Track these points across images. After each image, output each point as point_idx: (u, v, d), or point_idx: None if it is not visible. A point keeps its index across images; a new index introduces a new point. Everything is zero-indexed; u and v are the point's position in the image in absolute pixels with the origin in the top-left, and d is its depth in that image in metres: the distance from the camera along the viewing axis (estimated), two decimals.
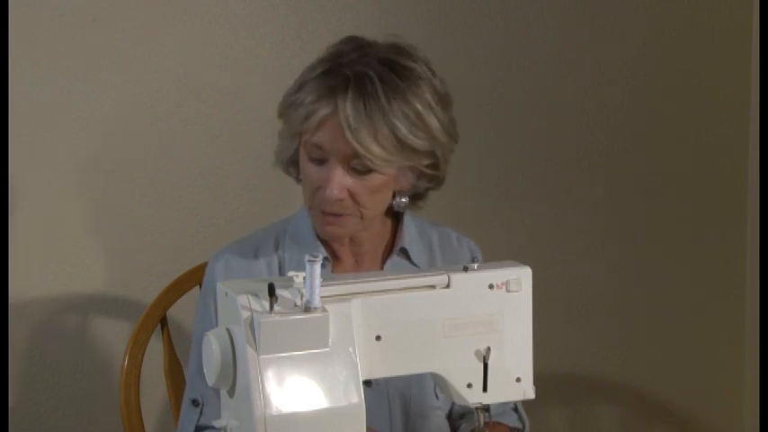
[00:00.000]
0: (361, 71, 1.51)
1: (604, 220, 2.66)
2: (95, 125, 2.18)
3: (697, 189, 2.74)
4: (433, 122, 1.54)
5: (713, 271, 2.79)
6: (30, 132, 2.13)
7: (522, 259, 1.44)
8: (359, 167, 1.53)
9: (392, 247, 1.69)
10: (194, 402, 1.64)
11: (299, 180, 1.65)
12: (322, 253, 1.64)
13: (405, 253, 1.69)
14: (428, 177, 1.62)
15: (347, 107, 1.49)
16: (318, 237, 1.66)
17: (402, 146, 1.51)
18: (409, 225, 1.70)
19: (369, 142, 1.49)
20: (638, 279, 2.71)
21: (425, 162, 1.57)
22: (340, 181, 1.53)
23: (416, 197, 1.67)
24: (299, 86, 1.56)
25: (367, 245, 1.67)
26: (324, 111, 1.51)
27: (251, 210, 2.28)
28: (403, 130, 1.50)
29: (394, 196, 1.63)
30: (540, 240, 2.59)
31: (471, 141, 2.49)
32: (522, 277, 1.40)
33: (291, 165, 1.64)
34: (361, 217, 1.58)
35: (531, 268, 1.41)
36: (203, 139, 2.26)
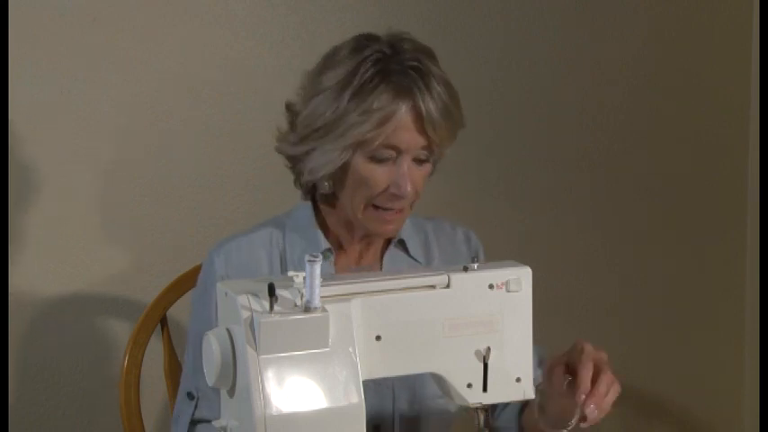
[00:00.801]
0: (414, 66, 1.56)
1: (604, 220, 2.66)
2: (95, 125, 2.18)
3: (697, 189, 2.75)
4: (456, 99, 1.61)
5: (713, 271, 2.79)
6: (30, 132, 2.13)
7: (522, 259, 1.44)
8: (422, 157, 1.58)
9: (389, 240, 1.71)
10: (189, 395, 1.64)
11: (306, 186, 1.66)
12: (324, 244, 1.65)
13: (402, 245, 1.71)
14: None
15: (427, 102, 1.53)
16: (320, 227, 1.67)
17: (455, 126, 1.59)
18: (406, 221, 1.71)
19: (444, 130, 1.55)
20: (638, 279, 2.71)
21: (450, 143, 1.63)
22: (412, 175, 1.57)
23: None
24: (351, 96, 1.54)
25: (375, 237, 1.68)
26: (402, 110, 1.53)
27: (251, 210, 2.28)
28: (453, 111, 1.58)
29: None
30: (540, 240, 2.59)
31: (471, 141, 2.48)
32: (522, 277, 1.40)
33: (329, 177, 1.62)
34: (410, 210, 1.63)
35: (531, 268, 1.41)
36: (203, 139, 2.26)
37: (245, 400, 1.25)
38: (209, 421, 1.61)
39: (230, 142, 2.27)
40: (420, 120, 1.53)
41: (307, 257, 1.23)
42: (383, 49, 1.57)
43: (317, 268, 1.23)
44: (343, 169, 1.59)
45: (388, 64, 1.55)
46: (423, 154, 1.57)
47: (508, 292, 1.39)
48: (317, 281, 1.24)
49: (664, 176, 2.71)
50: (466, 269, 1.38)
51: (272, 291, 1.23)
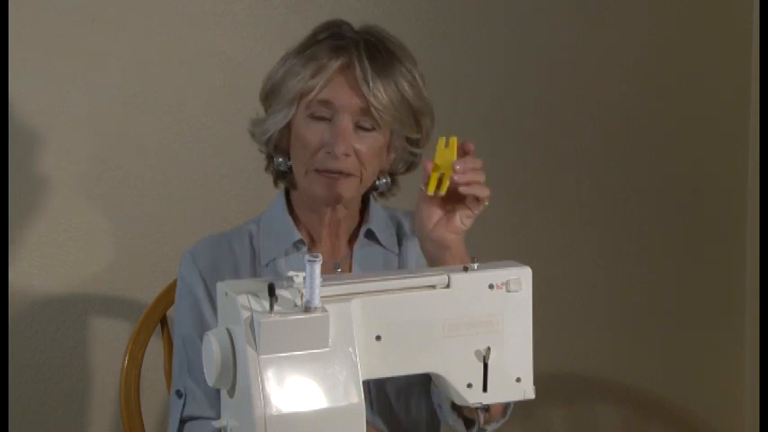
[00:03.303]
0: (364, 37, 1.61)
1: (604, 220, 2.66)
2: (95, 125, 2.18)
3: (697, 189, 2.74)
4: (424, 92, 1.64)
5: (713, 271, 2.79)
6: (30, 132, 2.13)
7: (522, 259, 1.44)
8: (364, 124, 1.59)
9: (358, 231, 1.71)
10: (178, 393, 1.66)
11: (277, 171, 1.69)
12: (296, 236, 1.67)
13: (372, 235, 1.71)
14: (407, 157, 1.68)
15: (363, 60, 1.57)
16: (294, 221, 1.68)
17: (404, 102, 1.60)
18: (376, 211, 1.73)
19: (381, 94, 1.57)
20: (639, 279, 2.71)
21: (414, 135, 1.65)
22: (348, 136, 1.57)
23: (392, 182, 1.72)
24: (296, 55, 1.61)
25: (344, 226, 1.69)
26: (336, 65, 1.58)
27: (251, 210, 2.27)
28: (405, 86, 1.60)
29: (378, 178, 1.68)
30: (540, 240, 2.58)
31: (471, 141, 2.49)
32: (522, 277, 1.39)
33: (278, 142, 1.66)
34: (360, 180, 1.62)
35: (531, 268, 1.41)
36: (203, 139, 2.26)
37: (245, 400, 1.25)
38: (197, 418, 1.62)
39: (230, 142, 2.27)
40: (354, 76, 1.56)
41: (306, 257, 1.23)
42: (342, 25, 1.64)
43: (317, 268, 1.23)
44: (289, 132, 1.63)
45: (341, 32, 1.62)
46: (366, 121, 1.58)
47: (508, 292, 1.39)
48: (317, 281, 1.24)
49: (664, 176, 2.71)
50: (466, 269, 1.38)
51: (272, 291, 1.23)
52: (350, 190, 1.62)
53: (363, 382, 1.59)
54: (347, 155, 1.58)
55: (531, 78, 2.55)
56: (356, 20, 2.33)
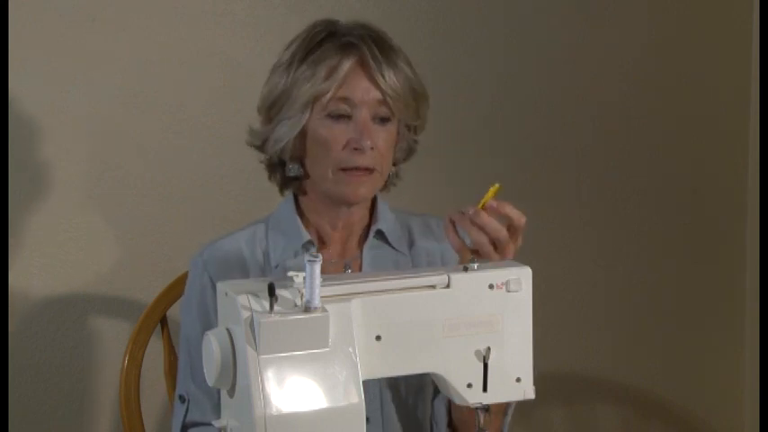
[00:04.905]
0: (364, 33, 1.62)
1: (604, 220, 2.67)
2: (95, 125, 2.18)
3: (697, 189, 2.75)
4: (420, 79, 1.66)
5: (713, 271, 2.79)
6: (30, 132, 2.13)
7: (522, 259, 1.44)
8: (381, 115, 1.60)
9: (368, 232, 1.71)
10: (181, 398, 1.66)
11: (287, 177, 1.67)
12: (305, 236, 1.66)
13: (382, 236, 1.70)
14: (410, 144, 1.70)
15: (375, 53, 1.58)
16: (303, 222, 1.67)
17: (411, 89, 1.62)
18: (385, 211, 1.72)
19: (394, 83, 1.59)
20: (638, 279, 2.71)
21: (415, 121, 1.66)
22: (371, 129, 1.59)
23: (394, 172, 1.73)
24: (301, 61, 1.61)
25: (355, 228, 1.69)
26: (349, 62, 1.58)
27: (251, 210, 2.28)
28: (408, 71, 1.62)
29: None
30: (540, 240, 2.58)
31: (471, 141, 2.49)
32: (522, 277, 1.39)
33: (293, 151, 1.64)
34: (380, 174, 1.63)
35: (531, 268, 1.41)
36: (203, 139, 2.26)
37: (245, 400, 1.25)
38: (200, 424, 1.62)
39: (230, 142, 2.27)
40: (368, 70, 1.58)
41: (306, 257, 1.23)
42: (337, 24, 1.64)
43: (317, 268, 1.23)
44: (304, 138, 1.62)
45: (337, 30, 1.62)
46: (382, 111, 1.59)
47: (508, 292, 1.39)
48: (317, 281, 1.24)
49: (664, 176, 2.71)
50: (466, 269, 1.38)
51: (272, 291, 1.23)
52: (374, 187, 1.64)
53: (373, 383, 1.60)
54: (373, 148, 1.58)
55: (531, 78, 2.55)
56: (356, 20, 2.34)
